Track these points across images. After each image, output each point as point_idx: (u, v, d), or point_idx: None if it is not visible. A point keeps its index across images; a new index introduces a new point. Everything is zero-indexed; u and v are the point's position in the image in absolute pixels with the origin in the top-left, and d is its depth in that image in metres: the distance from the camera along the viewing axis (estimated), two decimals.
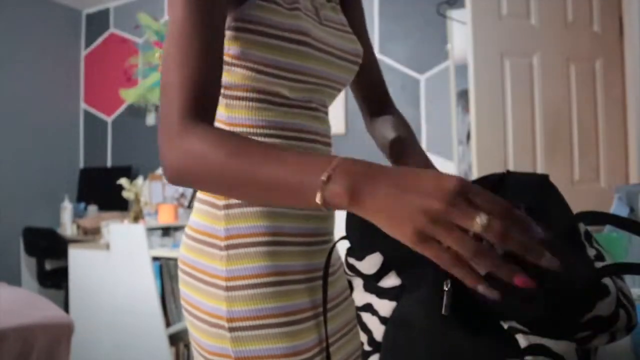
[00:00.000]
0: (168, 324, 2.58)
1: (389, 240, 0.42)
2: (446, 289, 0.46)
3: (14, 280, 3.45)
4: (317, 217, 0.72)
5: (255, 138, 0.67)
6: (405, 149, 0.79)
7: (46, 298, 2.13)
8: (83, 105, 4.21)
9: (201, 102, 0.54)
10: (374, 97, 0.90)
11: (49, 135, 3.92)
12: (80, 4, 4.11)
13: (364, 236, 0.53)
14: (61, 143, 4.03)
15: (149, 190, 3.71)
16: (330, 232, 0.75)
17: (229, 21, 0.63)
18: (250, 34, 0.63)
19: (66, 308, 3.08)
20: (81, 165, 4.17)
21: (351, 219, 0.56)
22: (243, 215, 0.66)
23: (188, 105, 0.53)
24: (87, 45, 4.22)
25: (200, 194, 0.72)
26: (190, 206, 3.38)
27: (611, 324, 0.45)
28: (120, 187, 3.14)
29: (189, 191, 3.47)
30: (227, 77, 0.66)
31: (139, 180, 3.16)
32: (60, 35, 4.05)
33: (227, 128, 0.68)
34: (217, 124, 0.68)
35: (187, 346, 2.74)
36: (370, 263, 0.52)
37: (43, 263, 3.40)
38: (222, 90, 0.67)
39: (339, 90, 0.77)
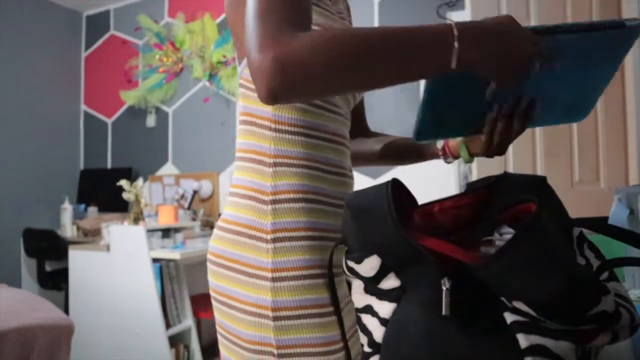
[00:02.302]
0: (168, 325, 2.58)
1: (384, 243, 0.42)
2: (444, 288, 0.46)
3: (14, 281, 3.45)
4: None
5: (297, 138, 0.71)
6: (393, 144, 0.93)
7: (46, 299, 2.13)
8: (83, 107, 4.22)
9: (306, 14, 0.55)
10: (358, 120, 1.00)
11: (50, 136, 3.92)
12: (81, 6, 4.11)
13: (360, 239, 0.53)
14: (61, 144, 4.03)
15: (149, 192, 3.71)
16: None
17: None
18: None
19: (66, 309, 3.07)
20: (81, 166, 4.17)
21: (347, 224, 0.56)
22: (290, 210, 0.70)
23: (289, 15, 0.53)
24: (88, 46, 4.22)
25: (239, 189, 0.73)
26: (189, 207, 3.38)
27: (614, 322, 0.45)
28: (120, 189, 3.13)
29: (189, 192, 3.47)
30: None
31: (139, 181, 3.16)
32: (60, 36, 4.05)
33: (273, 125, 0.71)
34: (264, 122, 0.71)
35: (187, 347, 2.74)
36: (369, 266, 0.52)
37: (43, 264, 3.40)
38: None
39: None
